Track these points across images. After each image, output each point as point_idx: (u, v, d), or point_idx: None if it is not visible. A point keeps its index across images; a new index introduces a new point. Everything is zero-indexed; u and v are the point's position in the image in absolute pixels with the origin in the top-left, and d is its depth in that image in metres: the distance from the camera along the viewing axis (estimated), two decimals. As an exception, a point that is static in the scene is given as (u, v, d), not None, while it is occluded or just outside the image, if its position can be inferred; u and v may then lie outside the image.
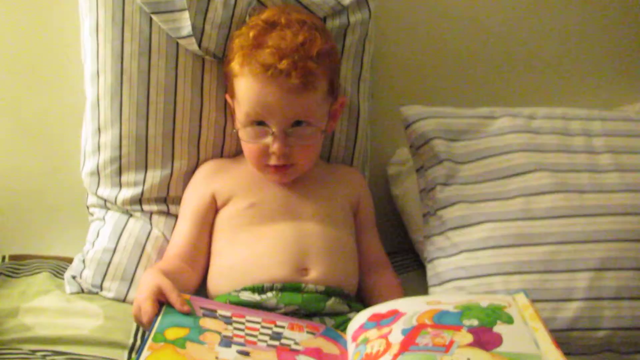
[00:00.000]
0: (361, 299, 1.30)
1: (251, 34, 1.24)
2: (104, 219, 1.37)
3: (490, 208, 1.29)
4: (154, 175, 1.36)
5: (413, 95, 1.57)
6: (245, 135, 1.26)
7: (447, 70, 1.62)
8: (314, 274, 1.22)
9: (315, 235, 1.26)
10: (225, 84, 1.33)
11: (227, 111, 1.37)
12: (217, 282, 1.26)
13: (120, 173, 1.36)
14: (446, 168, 1.34)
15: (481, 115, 1.40)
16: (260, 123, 1.25)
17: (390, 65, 1.58)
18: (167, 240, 1.34)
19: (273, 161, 1.26)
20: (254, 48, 1.23)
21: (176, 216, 1.36)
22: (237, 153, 1.38)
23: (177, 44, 1.33)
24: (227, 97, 1.33)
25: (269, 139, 1.24)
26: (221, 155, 1.39)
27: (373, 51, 1.45)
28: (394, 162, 1.60)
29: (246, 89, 1.24)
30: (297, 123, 1.25)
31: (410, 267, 1.48)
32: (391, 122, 1.52)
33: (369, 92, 1.47)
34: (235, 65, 1.25)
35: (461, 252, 1.28)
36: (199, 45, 1.32)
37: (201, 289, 1.27)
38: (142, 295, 1.12)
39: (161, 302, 1.12)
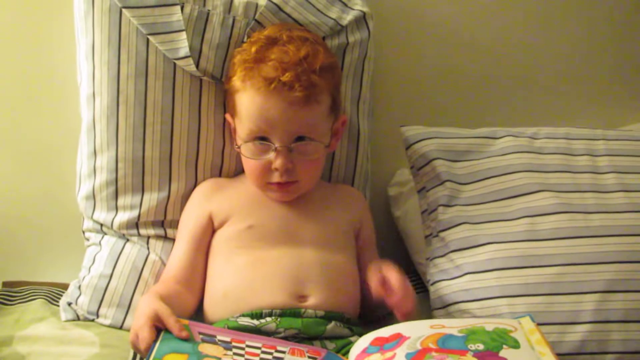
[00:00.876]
0: (364, 322, 1.28)
1: (253, 49, 1.24)
2: (100, 243, 1.36)
3: (494, 229, 1.29)
4: (151, 198, 1.34)
5: (413, 115, 1.56)
6: (247, 151, 1.26)
7: (448, 90, 1.61)
8: (312, 300, 1.21)
9: (314, 262, 1.25)
10: (225, 102, 1.32)
11: (225, 133, 1.36)
12: (213, 308, 1.24)
13: (116, 196, 1.34)
14: (448, 189, 1.34)
15: (483, 136, 1.40)
16: (263, 139, 1.24)
17: (390, 85, 1.58)
18: (164, 265, 1.32)
19: (276, 178, 1.25)
20: (256, 62, 1.23)
21: (174, 240, 1.34)
22: (236, 175, 1.38)
23: (175, 65, 1.32)
24: (227, 116, 1.32)
25: (271, 155, 1.23)
26: (219, 176, 1.39)
27: (372, 71, 1.45)
28: (394, 183, 1.59)
29: (248, 104, 1.24)
30: (300, 139, 1.24)
31: (412, 290, 1.47)
32: (391, 143, 1.51)
33: (369, 112, 1.46)
34: (236, 80, 1.25)
35: (465, 274, 1.28)
36: (197, 66, 1.32)
37: (198, 313, 1.26)
38: (139, 322, 1.10)
39: (159, 328, 1.10)
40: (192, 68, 1.31)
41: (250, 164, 1.27)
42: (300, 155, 1.24)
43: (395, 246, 1.54)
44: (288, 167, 1.23)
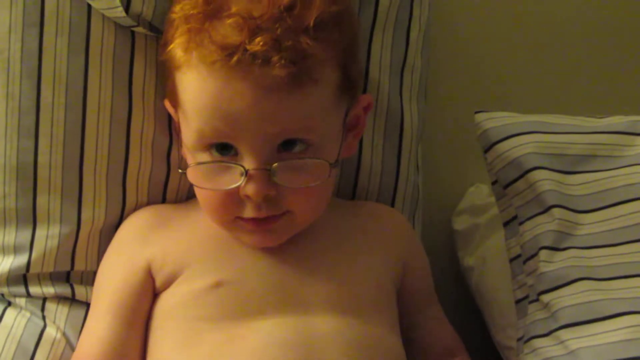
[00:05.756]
0: None
1: None
2: (-40, 310, 1.14)
3: (634, 290, 1.06)
4: (50, 235, 1.11)
5: (490, 98, 1.40)
6: (195, 174, 1.05)
7: (545, 62, 1.43)
8: (331, 404, 1.05)
9: (332, 339, 1.03)
10: (165, 82, 1.12)
11: (172, 126, 1.14)
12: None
13: (-11, 231, 1.16)
14: (557, 221, 1.13)
15: (614, 130, 1.18)
16: (224, 147, 1.02)
17: (456, 50, 1.40)
18: (71, 347, 1.09)
19: (249, 213, 1.02)
20: (206, 18, 1.01)
21: (87, 305, 1.11)
22: (191, 196, 1.15)
23: (89, 8, 1.09)
24: (167, 104, 1.10)
25: (238, 177, 1.01)
26: (163, 199, 1.14)
27: (427, 22, 1.22)
28: (464, 209, 1.41)
29: (196, 89, 1.02)
30: (288, 145, 1.01)
31: (494, 390, 1.24)
32: (459, 141, 1.37)
33: (420, 90, 1.24)
34: (176, 49, 1.03)
35: (585, 367, 1.06)
36: (126, 10, 1.08)
37: None
38: None
39: None
40: (119, 12, 1.08)
41: (202, 191, 1.08)
42: (289, 175, 1.03)
43: (465, 315, 1.31)
44: (268, 194, 1.02)
